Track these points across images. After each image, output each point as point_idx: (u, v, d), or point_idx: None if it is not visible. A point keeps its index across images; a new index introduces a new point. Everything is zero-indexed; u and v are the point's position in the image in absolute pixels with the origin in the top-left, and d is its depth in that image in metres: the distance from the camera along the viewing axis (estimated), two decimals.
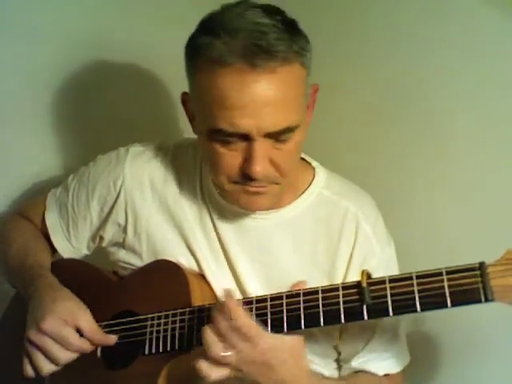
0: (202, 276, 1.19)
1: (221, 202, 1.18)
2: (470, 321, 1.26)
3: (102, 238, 1.27)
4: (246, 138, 1.00)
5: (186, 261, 1.19)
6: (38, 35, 1.51)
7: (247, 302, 1.04)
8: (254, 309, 1.03)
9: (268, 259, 1.17)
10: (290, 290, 1.00)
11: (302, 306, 0.99)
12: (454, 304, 0.89)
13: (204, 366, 0.95)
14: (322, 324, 0.96)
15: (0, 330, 1.33)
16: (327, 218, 1.17)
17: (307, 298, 0.98)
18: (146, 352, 1.12)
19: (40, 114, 1.56)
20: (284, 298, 1.02)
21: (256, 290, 1.17)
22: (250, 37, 0.96)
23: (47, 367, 1.08)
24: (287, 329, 1.00)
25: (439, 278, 0.91)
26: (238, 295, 1.17)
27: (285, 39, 0.98)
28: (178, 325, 1.10)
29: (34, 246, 1.28)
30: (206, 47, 0.99)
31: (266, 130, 0.99)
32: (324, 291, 0.99)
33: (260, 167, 1.01)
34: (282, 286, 1.04)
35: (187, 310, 1.10)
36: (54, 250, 1.31)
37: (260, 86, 0.97)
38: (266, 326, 1.00)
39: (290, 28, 1.01)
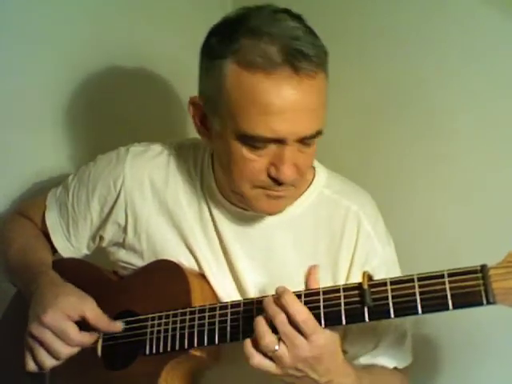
0: (202, 276, 1.19)
1: (222, 202, 1.17)
2: (470, 321, 1.26)
3: (102, 237, 1.27)
4: (279, 142, 1.00)
5: (186, 261, 1.19)
6: (38, 35, 1.51)
7: (250, 303, 1.04)
8: (254, 309, 1.03)
9: (269, 259, 1.17)
10: (294, 291, 1.00)
11: None
12: (455, 306, 0.89)
13: (255, 355, 0.96)
14: (323, 325, 0.96)
15: (0, 330, 1.33)
16: (328, 217, 1.17)
17: (308, 299, 0.98)
18: (147, 352, 1.12)
19: (40, 113, 1.55)
20: None
21: (255, 289, 1.16)
22: (290, 42, 0.96)
23: (48, 361, 1.08)
24: None
25: (441, 280, 0.90)
26: (237, 294, 1.18)
27: (317, 44, 1.00)
28: (178, 325, 1.10)
29: (34, 244, 1.28)
30: (243, 50, 0.98)
31: (301, 135, 1.00)
32: (325, 293, 0.99)
33: (290, 171, 1.02)
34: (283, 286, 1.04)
35: (188, 310, 1.10)
36: (54, 250, 1.31)
37: (301, 92, 0.97)
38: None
39: (314, 33, 1.02)
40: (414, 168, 1.48)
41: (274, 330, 0.95)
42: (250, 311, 1.04)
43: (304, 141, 1.02)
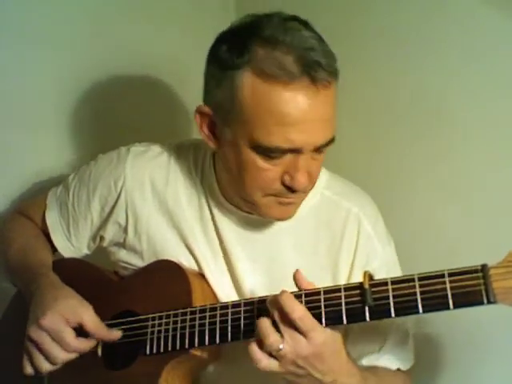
0: (202, 276, 1.19)
1: (225, 204, 1.17)
2: (470, 321, 1.25)
3: (102, 237, 1.27)
4: (295, 152, 1.01)
5: (185, 261, 1.19)
6: (38, 35, 1.51)
7: (251, 303, 1.04)
8: (255, 309, 1.03)
9: (271, 261, 1.17)
10: (293, 291, 1.00)
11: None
12: (456, 306, 0.89)
13: (259, 354, 0.95)
14: (323, 324, 0.96)
15: (0, 330, 1.33)
16: (329, 219, 1.17)
17: (309, 298, 0.98)
18: (147, 352, 1.12)
19: (40, 113, 1.55)
20: None
21: (254, 290, 1.17)
22: (305, 52, 0.96)
23: (45, 366, 1.08)
24: None
25: (441, 279, 0.90)
26: (235, 295, 1.18)
27: (329, 53, 1.00)
28: (179, 325, 1.10)
29: (34, 244, 1.28)
30: (258, 60, 0.97)
31: (316, 144, 1.01)
32: (326, 292, 0.99)
33: (304, 179, 1.02)
34: (283, 287, 1.04)
35: (188, 310, 1.10)
36: (54, 249, 1.31)
37: (318, 102, 0.98)
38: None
39: (324, 40, 1.02)
40: (414, 168, 1.48)
41: (277, 329, 0.95)
42: (250, 311, 1.04)
43: (319, 149, 1.03)
